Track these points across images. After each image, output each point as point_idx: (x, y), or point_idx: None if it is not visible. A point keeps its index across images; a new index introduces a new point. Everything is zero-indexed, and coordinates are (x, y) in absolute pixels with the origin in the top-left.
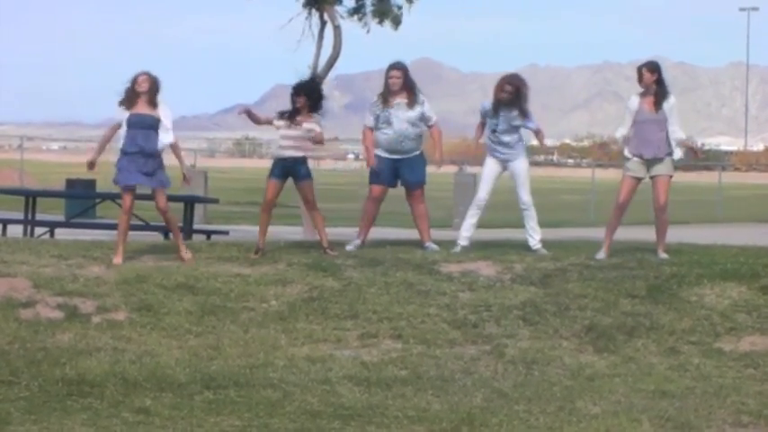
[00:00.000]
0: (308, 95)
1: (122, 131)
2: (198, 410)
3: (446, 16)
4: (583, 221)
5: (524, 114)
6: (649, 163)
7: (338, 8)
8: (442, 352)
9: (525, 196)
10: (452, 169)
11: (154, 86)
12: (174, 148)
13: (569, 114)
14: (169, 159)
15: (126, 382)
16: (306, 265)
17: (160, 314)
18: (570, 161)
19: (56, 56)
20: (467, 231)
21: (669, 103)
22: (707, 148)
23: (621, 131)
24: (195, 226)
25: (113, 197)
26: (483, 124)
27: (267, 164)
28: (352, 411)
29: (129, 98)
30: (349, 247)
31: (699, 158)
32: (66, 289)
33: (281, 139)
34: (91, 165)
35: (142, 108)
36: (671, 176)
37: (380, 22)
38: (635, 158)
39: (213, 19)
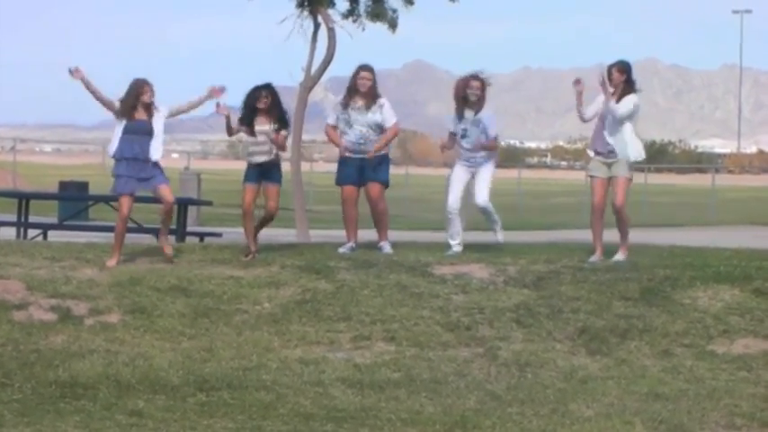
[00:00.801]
0: (274, 96)
1: (116, 137)
2: (191, 413)
3: (439, 18)
4: (576, 224)
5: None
6: (609, 164)
7: (331, 11)
8: (435, 354)
9: (482, 199)
10: (446, 172)
11: (153, 97)
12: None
13: (562, 117)
14: (168, 162)
15: (119, 384)
16: (299, 267)
17: (153, 316)
18: (563, 163)
19: (50, 57)
20: (452, 239)
21: (627, 99)
22: (700, 150)
23: (585, 109)
24: (188, 228)
25: (106, 199)
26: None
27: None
28: (344, 414)
29: (130, 105)
30: (342, 250)
31: (607, 89)
32: (59, 291)
33: (250, 146)
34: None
35: (140, 115)
36: (629, 179)
37: (374, 21)
38: (595, 157)
39: (206, 21)
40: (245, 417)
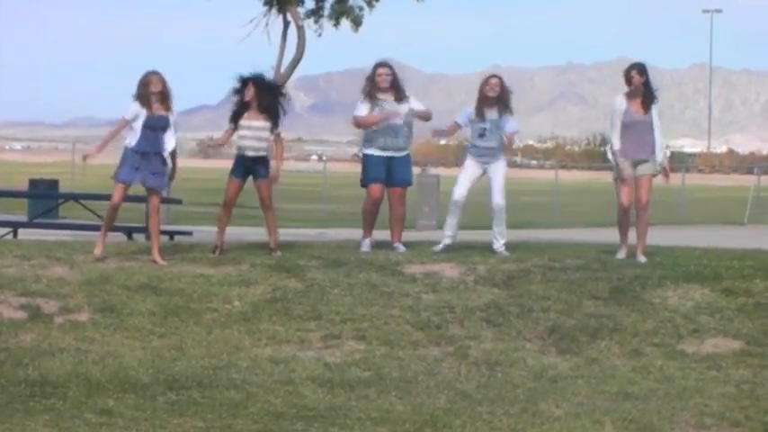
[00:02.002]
0: (260, 88)
1: (134, 128)
2: (161, 411)
3: (408, 17)
4: (546, 223)
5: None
6: (635, 162)
7: (299, 10)
8: (406, 353)
9: (500, 199)
10: (416, 170)
11: (166, 87)
12: (172, 153)
13: (533, 116)
14: None
15: (89, 382)
16: (269, 266)
17: (123, 315)
18: (534, 162)
19: (18, 55)
20: (447, 230)
21: (657, 107)
22: (670, 150)
23: (616, 138)
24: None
25: (76, 197)
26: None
27: (231, 164)
28: (315, 412)
29: (143, 98)
30: (364, 248)
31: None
32: (28, 289)
33: (239, 140)
34: (86, 158)
35: (157, 109)
36: (654, 175)
37: (336, 24)
38: (625, 162)
39: (175, 21)
40: (215, 415)
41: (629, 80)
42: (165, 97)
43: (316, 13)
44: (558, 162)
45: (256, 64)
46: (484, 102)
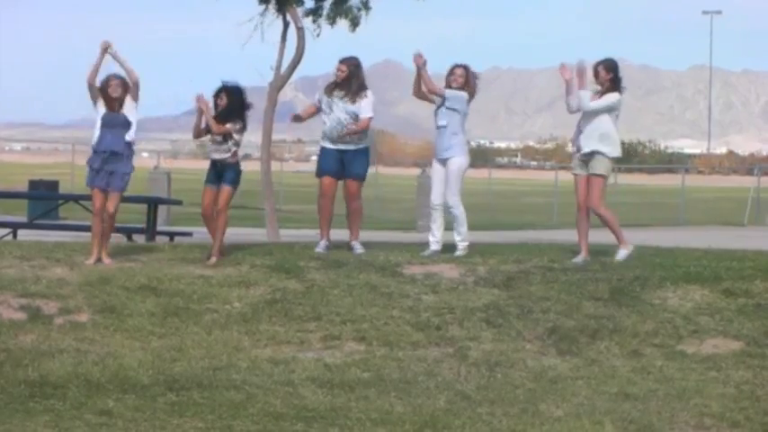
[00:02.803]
0: (231, 97)
1: (96, 128)
2: (161, 412)
3: (408, 17)
4: (546, 224)
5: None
6: (586, 161)
7: (299, 10)
8: (405, 354)
9: (451, 197)
10: (416, 172)
11: (125, 92)
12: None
13: (532, 117)
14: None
15: (89, 383)
16: (269, 266)
17: (123, 316)
18: (534, 163)
19: (16, 56)
20: (433, 236)
21: (610, 99)
22: (670, 151)
23: (569, 100)
24: (158, 227)
25: (76, 198)
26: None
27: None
28: (314, 413)
29: (103, 97)
30: (318, 249)
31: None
32: (28, 290)
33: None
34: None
35: (115, 107)
36: (603, 176)
37: (332, 24)
38: (576, 155)
39: (177, 21)
40: (214, 416)
41: (596, 76)
42: (121, 101)
43: (314, 12)
44: (558, 163)
45: (257, 65)
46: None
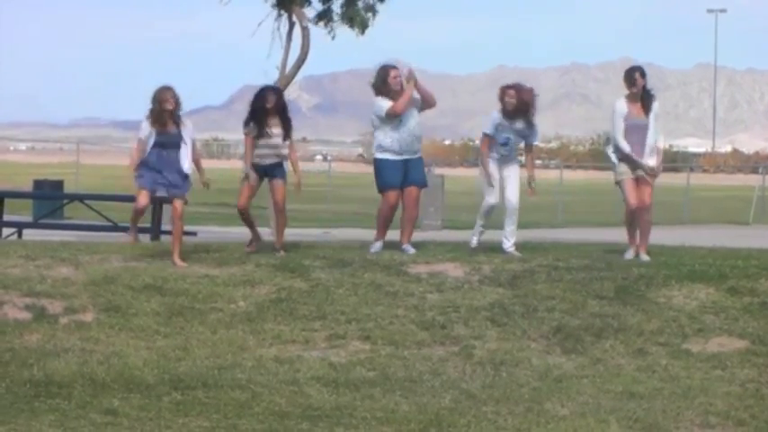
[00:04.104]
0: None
1: (148, 147)
2: (166, 411)
3: (414, 17)
4: (551, 222)
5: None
6: (635, 164)
7: (306, 11)
8: (411, 353)
9: (514, 199)
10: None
11: (178, 103)
12: (195, 162)
13: (537, 116)
14: None
15: (94, 383)
16: (274, 266)
17: (128, 315)
18: (538, 162)
19: (24, 55)
20: (477, 235)
21: (655, 110)
22: (674, 149)
23: (622, 140)
24: (164, 227)
25: (81, 198)
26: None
27: (236, 165)
28: (320, 412)
29: (156, 116)
30: (374, 250)
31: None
32: (34, 290)
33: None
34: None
35: (170, 127)
36: (654, 176)
37: (350, 25)
38: (624, 162)
39: (182, 20)
40: (220, 415)
41: (632, 82)
42: (175, 115)
43: (325, 15)
44: (562, 162)
45: (262, 64)
46: (506, 113)
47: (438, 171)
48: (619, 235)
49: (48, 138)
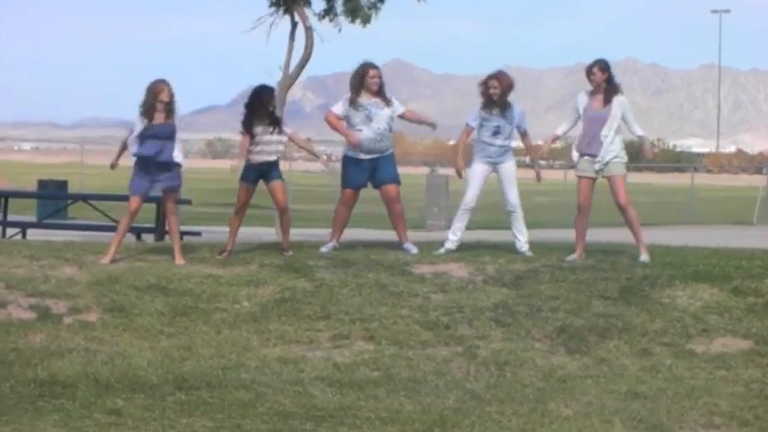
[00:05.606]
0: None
1: (137, 138)
2: (170, 411)
3: (418, 17)
4: (555, 223)
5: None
6: (600, 164)
7: (308, 10)
8: (415, 353)
9: (513, 198)
10: (425, 171)
11: (173, 98)
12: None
13: (541, 116)
14: None
15: (98, 383)
16: (278, 266)
17: (132, 315)
18: (542, 162)
19: (28, 55)
20: (454, 235)
21: (620, 101)
22: (678, 150)
23: (563, 128)
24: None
25: (85, 198)
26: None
27: (240, 165)
28: (324, 412)
29: (149, 107)
30: (323, 249)
31: (652, 157)
32: (38, 290)
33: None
34: (112, 167)
35: (160, 119)
36: (624, 176)
37: (352, 21)
38: (585, 158)
39: (185, 21)
40: (224, 415)
41: (591, 77)
42: (169, 108)
43: (329, 12)
44: (566, 162)
45: (266, 64)
46: (490, 103)
47: (443, 171)
48: (623, 235)
49: (52, 138)
